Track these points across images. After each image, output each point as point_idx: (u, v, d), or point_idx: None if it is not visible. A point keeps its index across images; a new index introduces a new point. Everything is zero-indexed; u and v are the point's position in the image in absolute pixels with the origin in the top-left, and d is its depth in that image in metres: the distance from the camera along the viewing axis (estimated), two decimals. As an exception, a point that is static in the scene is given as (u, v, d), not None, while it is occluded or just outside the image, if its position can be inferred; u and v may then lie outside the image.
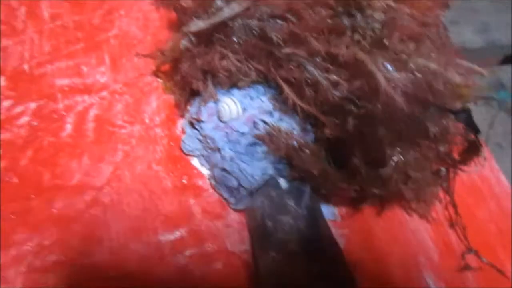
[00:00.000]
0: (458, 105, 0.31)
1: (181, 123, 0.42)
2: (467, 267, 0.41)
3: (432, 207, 0.43)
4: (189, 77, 0.39)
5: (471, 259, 0.41)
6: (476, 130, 0.33)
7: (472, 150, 0.35)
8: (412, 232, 0.42)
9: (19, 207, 0.36)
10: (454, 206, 0.43)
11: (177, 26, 0.46)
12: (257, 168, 0.36)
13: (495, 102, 0.65)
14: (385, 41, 0.30)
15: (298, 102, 0.35)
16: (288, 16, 0.35)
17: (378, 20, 0.31)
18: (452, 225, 0.43)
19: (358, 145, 0.35)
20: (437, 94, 0.30)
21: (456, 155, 0.37)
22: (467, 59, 0.37)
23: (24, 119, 0.40)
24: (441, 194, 0.44)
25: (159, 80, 0.45)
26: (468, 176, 0.47)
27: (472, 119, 0.32)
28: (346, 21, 0.32)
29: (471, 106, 0.33)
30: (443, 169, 0.37)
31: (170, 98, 0.44)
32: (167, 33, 0.48)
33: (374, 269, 0.40)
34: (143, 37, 0.48)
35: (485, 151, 0.51)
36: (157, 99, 0.44)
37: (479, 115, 0.62)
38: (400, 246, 0.42)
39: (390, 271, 0.40)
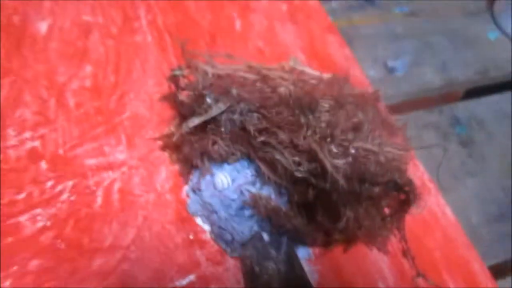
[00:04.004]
0: (386, 178, 0.42)
1: (186, 189, 0.54)
2: (417, 289, 0.52)
3: (388, 242, 0.55)
4: (190, 157, 0.51)
5: (420, 282, 0.53)
6: (404, 192, 0.45)
7: (406, 203, 0.46)
8: (373, 263, 0.54)
9: (68, 267, 0.47)
10: (405, 241, 0.54)
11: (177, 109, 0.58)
12: (245, 226, 0.48)
13: (452, 137, 0.76)
14: (328, 139, 0.41)
15: (272, 177, 0.46)
16: (261, 111, 0.47)
17: (324, 120, 0.42)
18: (404, 254, 0.55)
19: (319, 207, 0.46)
20: (370, 172, 0.42)
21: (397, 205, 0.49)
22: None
23: (65, 196, 0.52)
24: (396, 230, 0.56)
25: (166, 153, 0.56)
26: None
27: (399, 185, 0.44)
28: (302, 119, 0.44)
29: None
30: (388, 217, 0.48)
31: (176, 168, 0.55)
32: (170, 112, 0.60)
33: (343, 296, 0.51)
34: (150, 117, 0.59)
35: (433, 189, 0.62)
36: (166, 169, 0.55)
37: (437, 150, 0.74)
38: (363, 276, 0.53)
39: (356, 296, 0.51)
